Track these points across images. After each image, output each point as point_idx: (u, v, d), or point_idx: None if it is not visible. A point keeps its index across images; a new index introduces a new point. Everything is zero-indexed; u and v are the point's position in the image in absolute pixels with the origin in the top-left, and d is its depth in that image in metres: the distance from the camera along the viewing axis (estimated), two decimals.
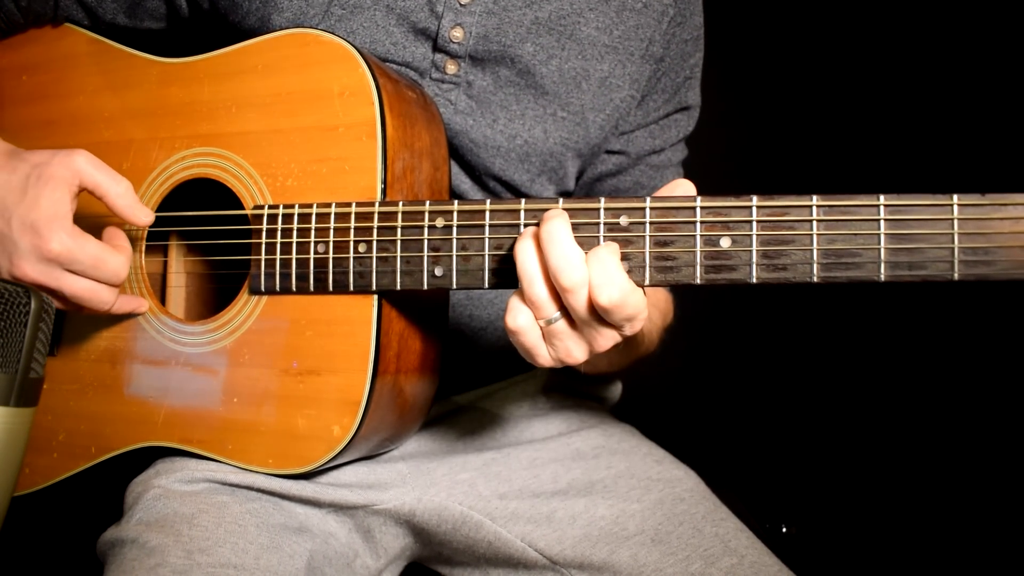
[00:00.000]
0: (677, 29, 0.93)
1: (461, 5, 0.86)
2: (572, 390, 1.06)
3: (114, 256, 0.78)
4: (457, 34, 0.86)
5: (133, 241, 0.85)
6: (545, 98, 0.89)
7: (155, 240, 0.90)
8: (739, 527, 0.85)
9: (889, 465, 1.46)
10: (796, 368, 1.41)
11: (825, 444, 1.48)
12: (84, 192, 0.79)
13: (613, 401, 1.09)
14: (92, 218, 0.83)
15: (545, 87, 0.89)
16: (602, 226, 0.69)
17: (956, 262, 0.62)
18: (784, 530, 1.11)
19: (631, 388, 1.12)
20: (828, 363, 1.44)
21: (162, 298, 0.94)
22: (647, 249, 0.68)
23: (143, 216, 0.79)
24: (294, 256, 0.79)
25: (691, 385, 1.52)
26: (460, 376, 1.00)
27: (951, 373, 1.38)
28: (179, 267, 0.96)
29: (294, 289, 0.79)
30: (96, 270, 0.77)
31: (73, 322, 0.89)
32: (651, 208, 0.68)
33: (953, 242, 0.62)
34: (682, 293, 1.00)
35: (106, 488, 0.87)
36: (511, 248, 0.70)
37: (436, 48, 0.87)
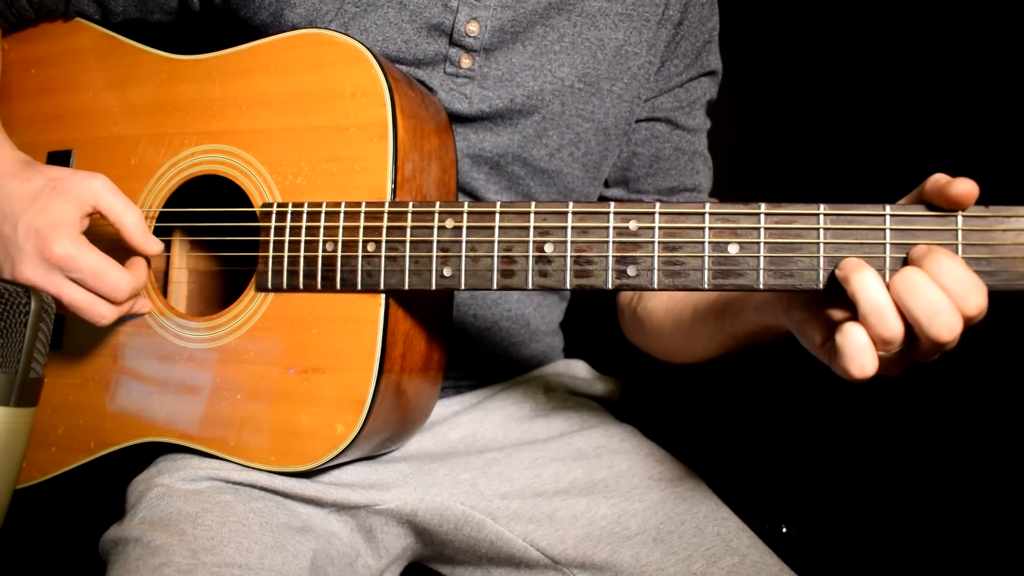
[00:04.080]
0: None
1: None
2: (574, 390, 1.07)
3: (116, 271, 0.77)
4: (473, 28, 0.87)
5: None
6: (560, 71, 0.90)
7: (160, 236, 0.90)
8: (741, 527, 0.85)
9: (889, 465, 1.46)
10: (796, 368, 1.42)
11: (825, 444, 1.49)
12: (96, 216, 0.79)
13: (613, 401, 1.10)
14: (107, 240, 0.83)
15: (560, 62, 0.90)
16: (611, 230, 0.70)
17: None
18: (784, 530, 1.11)
19: (631, 388, 1.13)
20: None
21: (163, 294, 0.94)
22: (655, 254, 0.69)
23: (153, 245, 0.81)
24: (302, 254, 0.79)
25: (691, 385, 1.52)
26: (463, 376, 1.01)
27: (951, 373, 1.39)
28: (182, 263, 0.96)
29: (301, 287, 0.79)
30: (96, 280, 0.76)
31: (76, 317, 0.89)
32: (660, 213, 0.69)
33: (958, 252, 0.62)
34: None
35: (106, 486, 0.87)
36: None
37: (451, 43, 0.88)
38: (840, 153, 1.48)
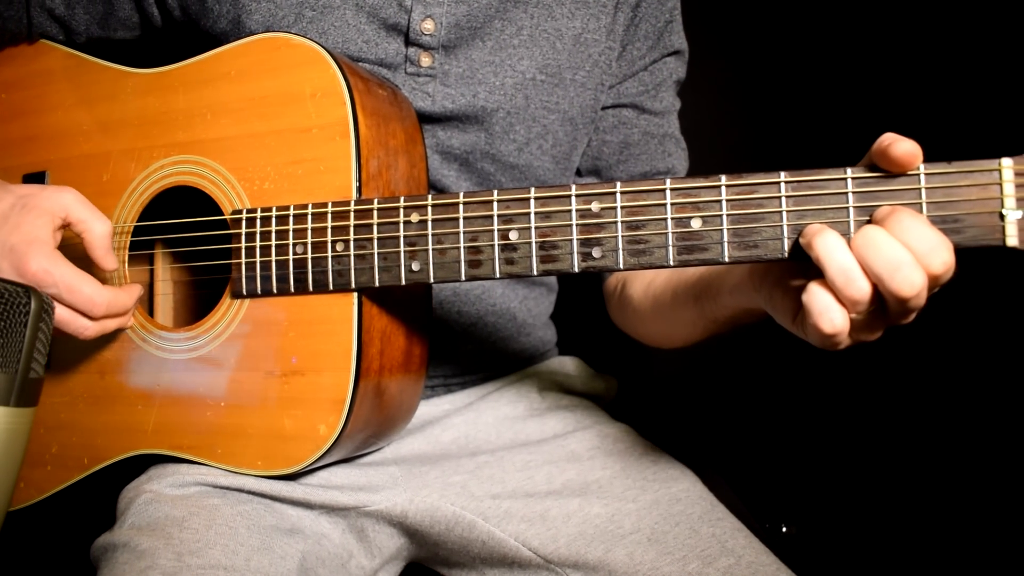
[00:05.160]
0: None
1: None
2: (569, 388, 1.06)
3: (90, 285, 0.78)
4: (428, 26, 0.87)
5: (116, 250, 0.86)
6: (521, 64, 0.90)
7: (140, 250, 0.91)
8: (736, 527, 0.84)
9: (889, 465, 1.44)
10: (795, 367, 1.41)
11: (825, 444, 1.47)
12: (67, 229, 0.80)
13: (609, 399, 1.09)
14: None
15: (520, 55, 0.89)
16: (574, 213, 0.70)
17: None
18: (784, 530, 1.10)
19: (627, 385, 1.12)
20: (828, 362, 1.43)
21: (150, 307, 0.95)
22: (619, 234, 0.68)
23: (111, 262, 0.81)
24: (273, 258, 0.79)
25: (689, 384, 1.51)
26: (452, 374, 1.00)
27: (951, 372, 1.37)
28: (165, 275, 0.97)
29: (275, 291, 0.79)
30: (71, 294, 0.77)
31: (61, 334, 0.89)
32: (621, 192, 0.68)
33: (922, 211, 0.61)
34: None
35: (101, 496, 0.88)
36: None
37: (408, 42, 0.88)
38: (807, 123, 1.47)
